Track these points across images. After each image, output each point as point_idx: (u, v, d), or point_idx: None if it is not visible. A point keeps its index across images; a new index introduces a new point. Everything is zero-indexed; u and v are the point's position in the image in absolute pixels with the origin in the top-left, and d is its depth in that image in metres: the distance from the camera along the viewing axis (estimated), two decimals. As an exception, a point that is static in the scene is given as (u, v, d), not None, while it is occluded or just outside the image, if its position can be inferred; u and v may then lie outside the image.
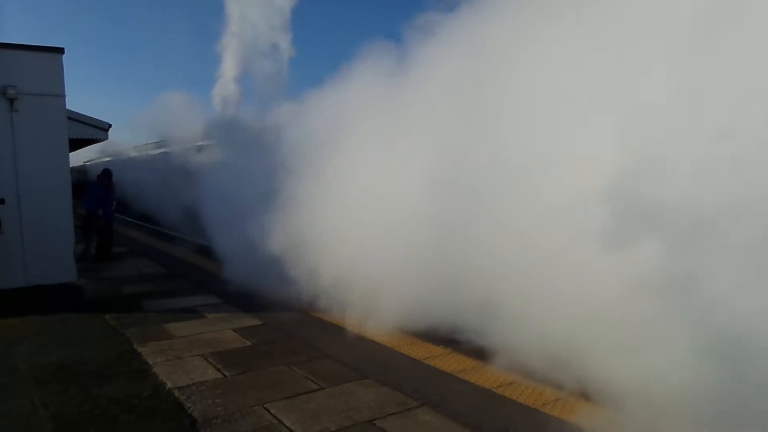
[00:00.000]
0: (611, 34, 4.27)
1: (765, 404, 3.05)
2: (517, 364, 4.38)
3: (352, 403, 4.02)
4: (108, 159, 25.49)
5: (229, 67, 31.38)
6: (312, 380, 4.47)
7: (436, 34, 5.85)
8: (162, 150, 21.18)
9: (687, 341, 3.34)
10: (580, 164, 4.18)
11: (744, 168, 3.39)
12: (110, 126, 15.01)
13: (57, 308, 6.83)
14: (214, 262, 9.15)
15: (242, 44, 31.23)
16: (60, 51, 7.76)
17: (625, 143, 3.85)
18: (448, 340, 5.16)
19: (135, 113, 60.06)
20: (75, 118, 12.81)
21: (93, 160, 30.15)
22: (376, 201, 5.75)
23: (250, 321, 6.25)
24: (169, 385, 4.41)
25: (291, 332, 5.81)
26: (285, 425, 3.69)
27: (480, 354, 4.77)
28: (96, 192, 10.46)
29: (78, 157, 27.05)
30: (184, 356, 5.09)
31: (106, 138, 15.75)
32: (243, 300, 7.00)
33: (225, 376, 4.61)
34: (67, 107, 8.07)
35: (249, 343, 5.49)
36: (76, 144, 16.55)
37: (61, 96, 7.83)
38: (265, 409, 3.94)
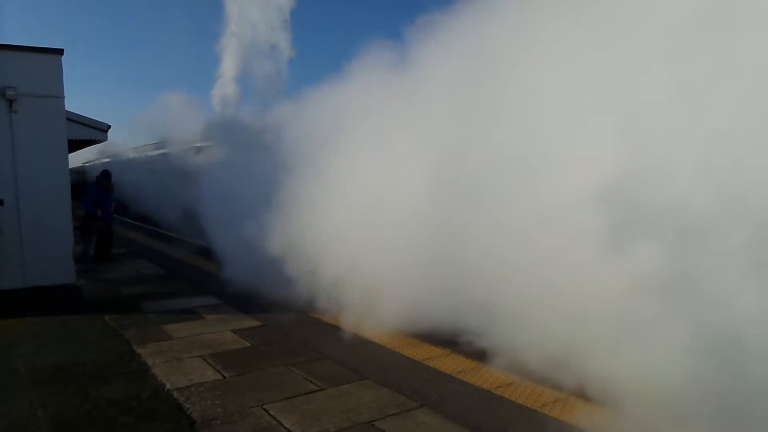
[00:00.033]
0: (611, 34, 4.28)
1: (765, 404, 3.05)
2: (516, 364, 4.38)
3: (352, 404, 4.01)
4: (107, 160, 25.54)
5: (228, 67, 31.44)
6: (311, 381, 4.46)
7: (436, 33, 5.85)
8: (161, 151, 21.18)
9: (687, 341, 3.34)
10: (580, 164, 4.18)
11: (743, 168, 3.40)
12: (109, 127, 14.98)
13: (56, 309, 6.82)
14: (213, 263, 9.15)
15: (242, 44, 31.31)
16: (59, 52, 7.76)
17: (625, 143, 3.85)
18: (448, 341, 5.15)
19: (134, 114, 60.26)
20: (74, 119, 12.77)
21: (92, 161, 30.19)
22: (376, 201, 5.75)
23: (249, 322, 6.24)
24: (168, 386, 4.40)
25: (290, 333, 5.80)
26: (284, 426, 3.68)
27: (479, 355, 4.76)
28: (95, 193, 10.46)
29: (77, 158, 27.08)
30: (183, 357, 5.08)
31: (105, 139, 15.71)
32: (242, 301, 6.98)
33: (224, 377, 4.60)
34: (67, 108, 8.08)
35: (248, 344, 5.48)
36: (75, 145, 16.51)
37: (61, 97, 7.82)
38: (264, 410, 3.93)
